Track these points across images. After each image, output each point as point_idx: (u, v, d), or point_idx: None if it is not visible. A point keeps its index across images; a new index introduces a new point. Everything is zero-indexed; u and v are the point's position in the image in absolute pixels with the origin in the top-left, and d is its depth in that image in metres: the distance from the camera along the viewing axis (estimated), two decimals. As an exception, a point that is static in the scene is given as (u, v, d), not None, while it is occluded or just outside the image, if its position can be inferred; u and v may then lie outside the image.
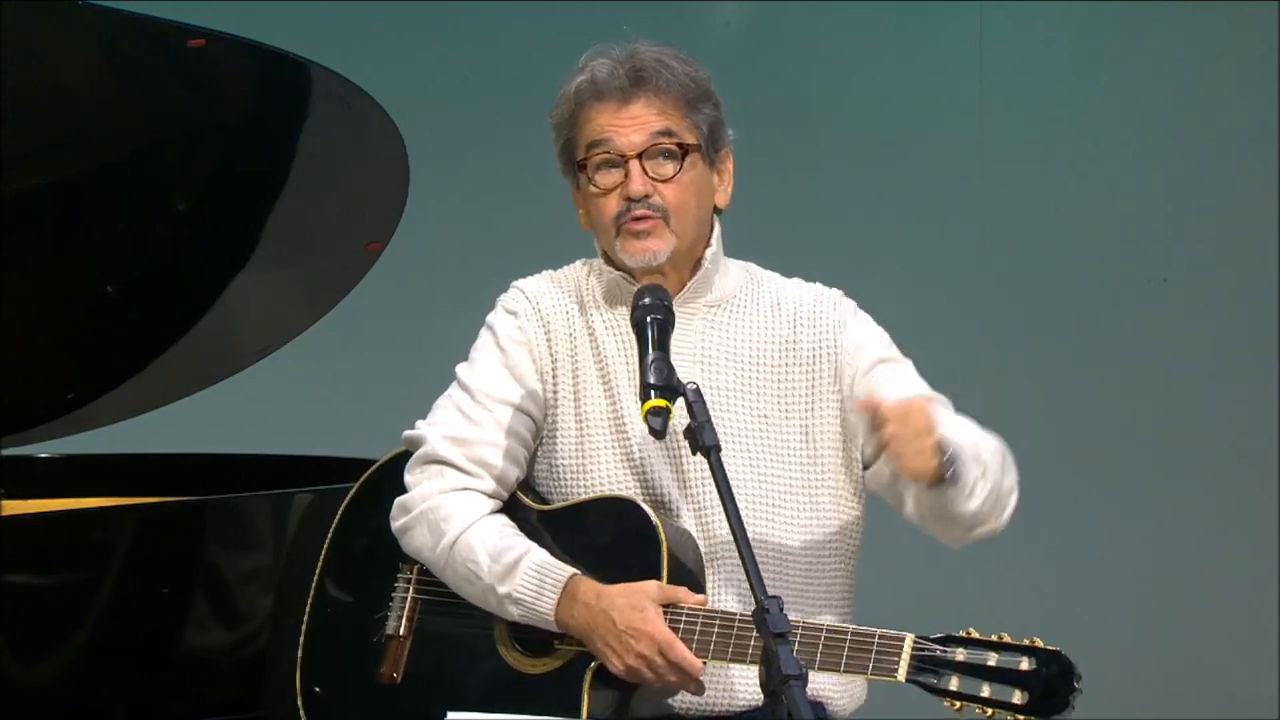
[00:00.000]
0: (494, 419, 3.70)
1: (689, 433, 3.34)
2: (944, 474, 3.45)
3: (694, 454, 3.35)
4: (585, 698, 3.54)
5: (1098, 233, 6.34)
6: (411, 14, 6.28)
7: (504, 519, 3.68)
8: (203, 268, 4.76)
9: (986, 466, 3.54)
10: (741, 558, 3.23)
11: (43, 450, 5.02)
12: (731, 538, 3.29)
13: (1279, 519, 6.22)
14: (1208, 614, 6.24)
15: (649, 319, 3.49)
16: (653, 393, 3.38)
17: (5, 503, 4.59)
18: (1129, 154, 6.35)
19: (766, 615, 3.12)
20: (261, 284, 4.79)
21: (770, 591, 3.20)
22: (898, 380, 3.70)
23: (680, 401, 3.39)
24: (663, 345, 3.46)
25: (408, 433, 3.77)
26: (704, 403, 3.37)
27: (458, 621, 3.69)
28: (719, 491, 3.29)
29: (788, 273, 3.86)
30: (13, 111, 4.20)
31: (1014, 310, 6.33)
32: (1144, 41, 6.33)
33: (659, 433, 3.37)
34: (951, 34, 6.33)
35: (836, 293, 3.80)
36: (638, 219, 3.64)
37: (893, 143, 6.35)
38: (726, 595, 3.63)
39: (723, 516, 3.41)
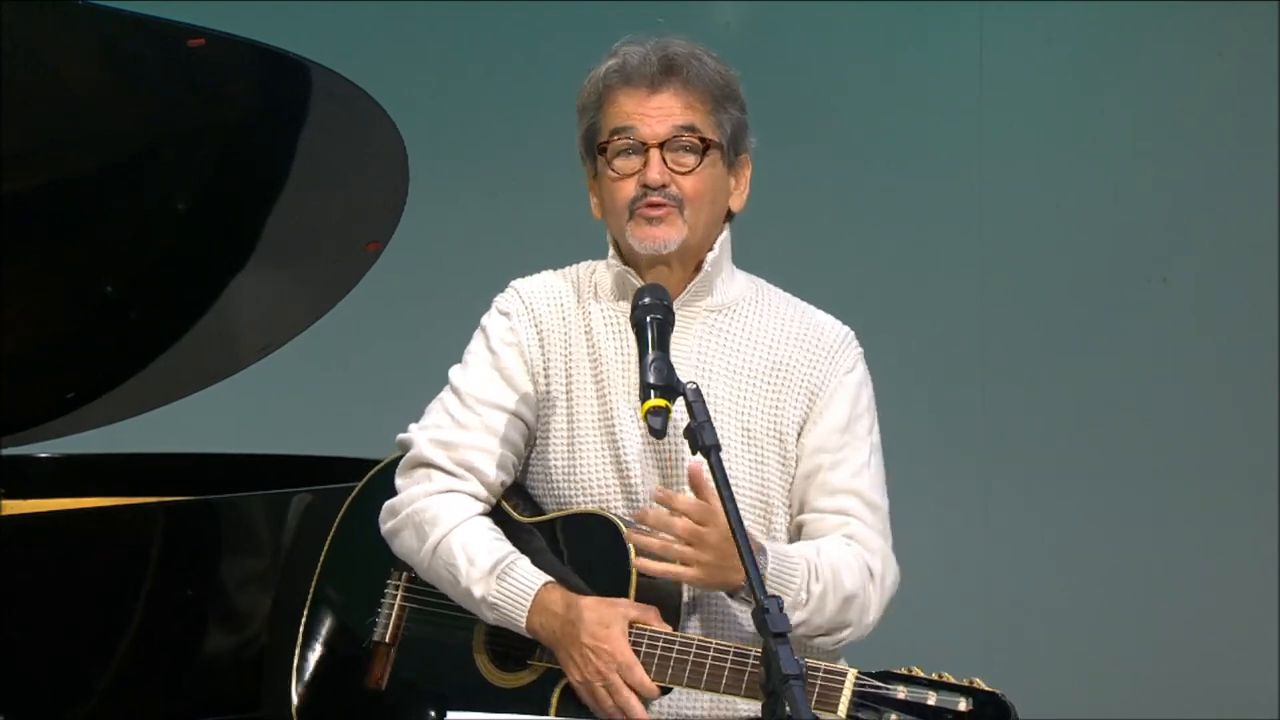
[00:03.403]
0: (483, 423, 3.69)
1: (689, 432, 3.33)
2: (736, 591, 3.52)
3: (694, 453, 3.34)
4: (552, 712, 3.54)
5: (1098, 233, 6.34)
6: (411, 14, 6.27)
7: (489, 523, 3.67)
8: (203, 268, 4.76)
9: (815, 597, 3.54)
10: (741, 557, 3.22)
11: (43, 450, 5.02)
12: None
13: (1279, 519, 6.22)
14: (1208, 614, 6.24)
15: (649, 319, 3.49)
16: (653, 392, 3.38)
17: (5, 502, 4.59)
18: (1129, 154, 6.35)
19: (766, 615, 3.11)
20: (261, 284, 4.79)
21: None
22: (840, 465, 3.67)
23: (680, 401, 3.38)
24: (663, 345, 3.46)
25: (400, 436, 3.76)
26: (704, 402, 3.36)
27: (440, 631, 3.69)
28: (719, 491, 3.28)
29: (789, 275, 3.84)
30: (13, 111, 4.19)
31: (1014, 310, 6.33)
32: (1144, 41, 6.33)
33: (659, 432, 3.36)
34: (951, 34, 6.33)
35: (846, 331, 3.75)
36: (652, 205, 3.61)
37: (893, 143, 6.35)
38: (707, 605, 3.63)
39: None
